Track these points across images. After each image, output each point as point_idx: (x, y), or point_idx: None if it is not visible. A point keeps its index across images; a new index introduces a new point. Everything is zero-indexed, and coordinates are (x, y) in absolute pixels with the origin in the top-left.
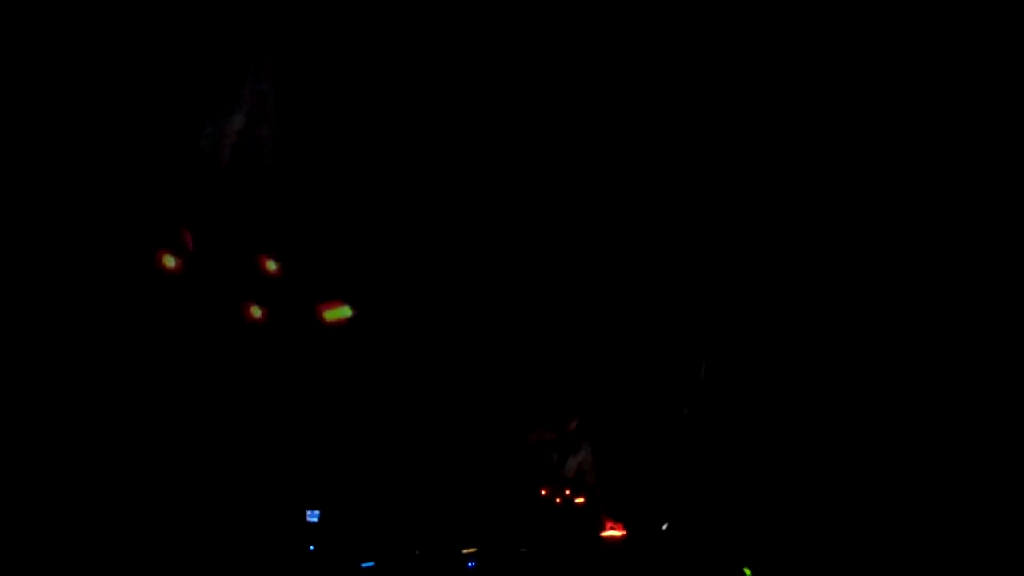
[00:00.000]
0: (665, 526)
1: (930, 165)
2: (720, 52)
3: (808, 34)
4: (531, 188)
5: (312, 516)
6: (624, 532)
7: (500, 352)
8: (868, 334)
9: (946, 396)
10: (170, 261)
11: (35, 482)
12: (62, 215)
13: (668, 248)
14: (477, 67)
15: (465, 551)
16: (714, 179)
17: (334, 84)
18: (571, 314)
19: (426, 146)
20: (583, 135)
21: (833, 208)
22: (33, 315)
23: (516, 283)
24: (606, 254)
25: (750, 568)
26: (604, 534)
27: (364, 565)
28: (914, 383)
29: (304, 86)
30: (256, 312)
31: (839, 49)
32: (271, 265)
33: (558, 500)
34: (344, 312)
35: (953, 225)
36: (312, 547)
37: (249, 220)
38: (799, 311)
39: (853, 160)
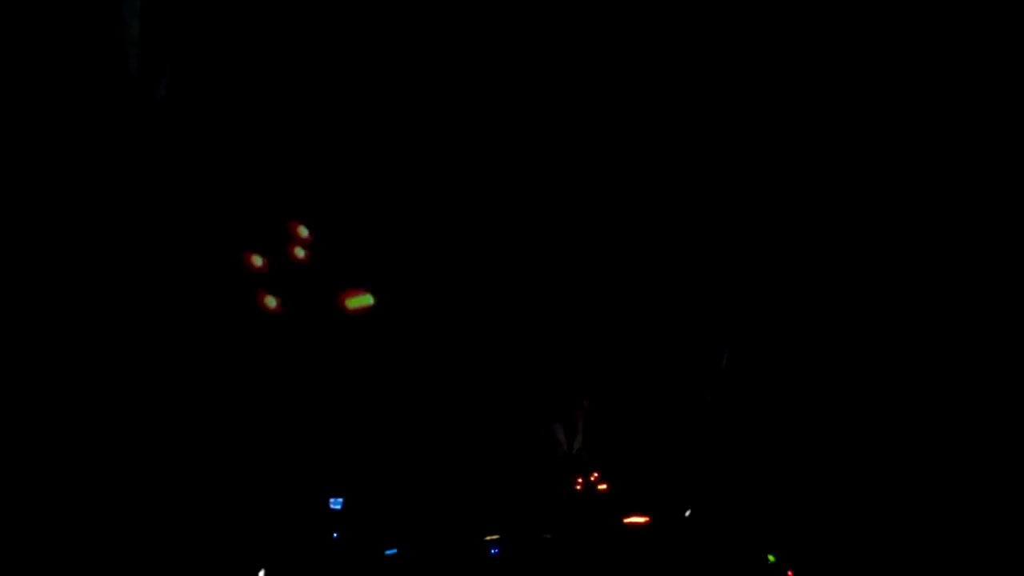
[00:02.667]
0: (688, 512)
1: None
2: (720, 52)
3: (808, 34)
4: (553, 176)
5: (335, 504)
6: (647, 519)
7: (524, 340)
8: (889, 326)
9: (967, 376)
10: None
11: (53, 475)
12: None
13: (690, 238)
14: (503, 58)
15: (488, 538)
16: (738, 169)
17: (356, 72)
18: (596, 304)
19: (449, 136)
20: (615, 119)
21: (854, 198)
22: (60, 310)
23: (540, 272)
24: (629, 243)
25: (774, 555)
26: (627, 520)
27: (387, 552)
28: (934, 372)
29: (327, 71)
30: (271, 302)
31: (839, 49)
32: (299, 252)
33: (578, 487)
34: (366, 300)
35: (975, 205)
36: (336, 535)
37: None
38: (821, 300)
39: (877, 147)
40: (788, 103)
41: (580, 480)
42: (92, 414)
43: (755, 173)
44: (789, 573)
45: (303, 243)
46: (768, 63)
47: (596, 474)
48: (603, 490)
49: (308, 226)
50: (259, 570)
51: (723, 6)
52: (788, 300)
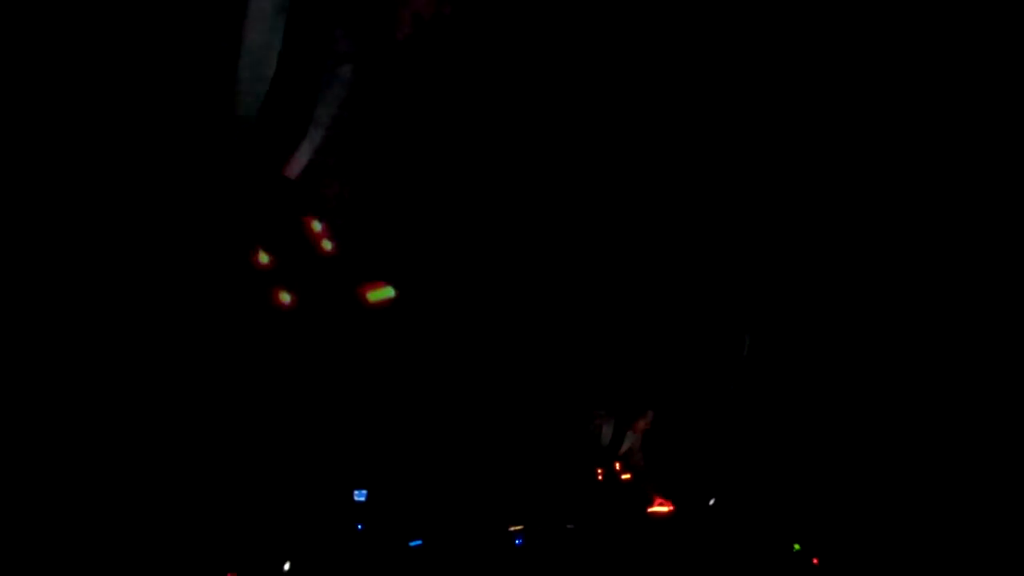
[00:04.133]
0: (712, 502)
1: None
2: (720, 52)
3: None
4: (583, 167)
5: (360, 496)
6: (671, 508)
7: (546, 333)
8: (914, 315)
9: (992, 370)
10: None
11: (70, 473)
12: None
13: (709, 228)
14: (520, 61)
15: (512, 528)
16: (757, 159)
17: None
18: (616, 294)
19: (472, 128)
20: (634, 113)
21: (875, 187)
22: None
23: (561, 263)
24: (649, 234)
25: (799, 543)
26: (651, 510)
27: (412, 543)
28: (959, 361)
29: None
30: (285, 297)
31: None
32: (326, 245)
33: (599, 476)
34: (387, 293)
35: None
36: (360, 526)
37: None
38: (843, 287)
39: (901, 137)
40: (811, 89)
41: (601, 471)
42: (115, 410)
43: (776, 162)
44: (815, 561)
45: (325, 236)
46: (779, 59)
47: (619, 464)
48: (626, 480)
49: (327, 219)
50: (285, 562)
51: (723, 6)
52: (809, 287)
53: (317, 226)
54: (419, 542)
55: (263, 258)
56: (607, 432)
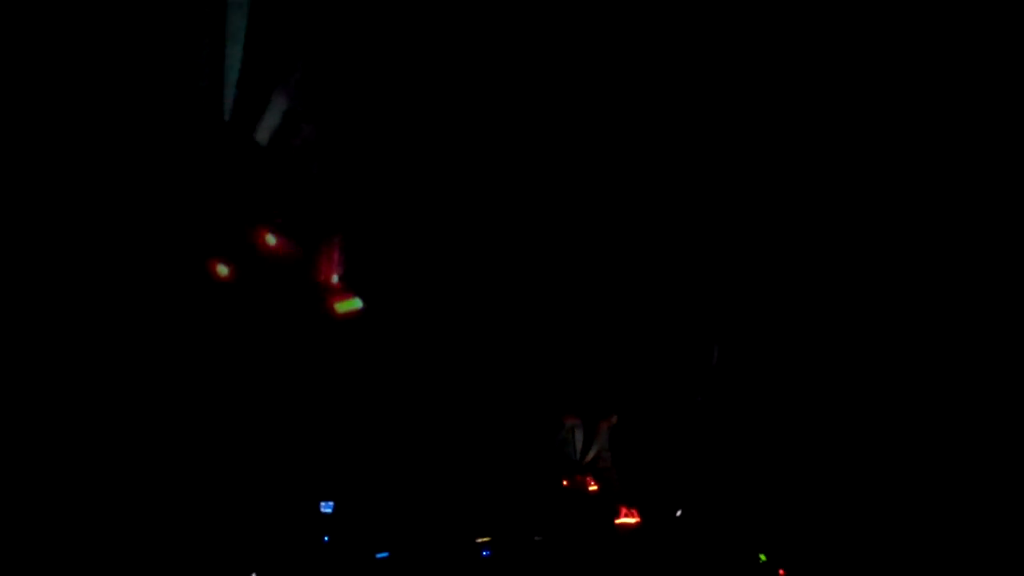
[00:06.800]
0: (679, 513)
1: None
2: (720, 52)
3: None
4: (547, 178)
5: (326, 507)
6: (638, 519)
7: (515, 342)
8: (882, 323)
9: (960, 376)
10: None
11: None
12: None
13: (677, 237)
14: (487, 65)
15: (479, 540)
16: (725, 165)
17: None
18: (583, 303)
19: (442, 135)
20: (592, 128)
21: (844, 195)
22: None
23: (531, 271)
24: (617, 243)
25: (765, 554)
26: (618, 521)
27: (379, 556)
28: (927, 371)
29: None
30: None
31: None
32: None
33: (565, 484)
34: (355, 304)
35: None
36: (326, 538)
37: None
38: (811, 298)
39: (864, 148)
40: (771, 103)
41: (567, 482)
42: (84, 416)
43: (742, 169)
44: (780, 572)
45: (286, 246)
46: (767, 63)
47: (588, 475)
48: (593, 491)
49: (293, 227)
50: (250, 573)
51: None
52: (779, 297)
53: (272, 239)
54: (386, 554)
55: (222, 270)
56: (579, 439)
